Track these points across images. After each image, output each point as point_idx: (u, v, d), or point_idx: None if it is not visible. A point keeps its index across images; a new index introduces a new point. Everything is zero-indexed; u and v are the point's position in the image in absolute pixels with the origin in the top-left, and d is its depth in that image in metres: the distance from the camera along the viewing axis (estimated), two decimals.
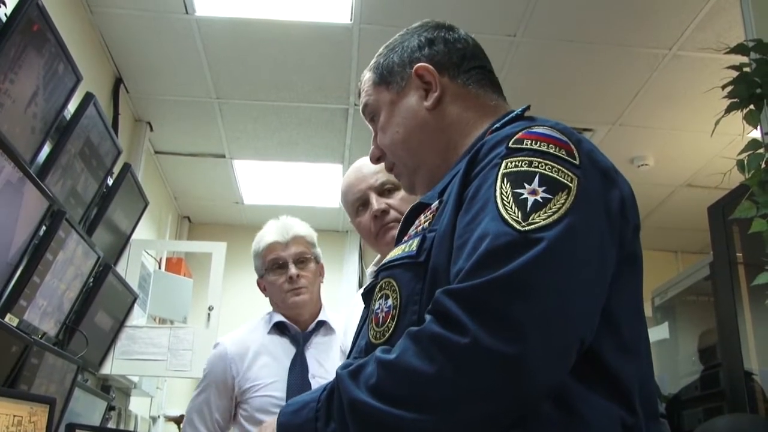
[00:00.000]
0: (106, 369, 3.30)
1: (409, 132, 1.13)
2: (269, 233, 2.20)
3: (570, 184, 0.86)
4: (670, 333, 4.00)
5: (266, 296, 2.23)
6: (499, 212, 0.84)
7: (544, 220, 0.82)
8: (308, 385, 2.01)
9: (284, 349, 2.12)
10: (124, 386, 3.78)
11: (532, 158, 0.88)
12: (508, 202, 0.85)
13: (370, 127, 1.23)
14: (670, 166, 4.41)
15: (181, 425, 2.09)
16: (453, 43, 1.16)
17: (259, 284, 2.25)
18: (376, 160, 1.21)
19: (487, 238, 0.82)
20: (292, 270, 2.14)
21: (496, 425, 0.79)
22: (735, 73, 2.07)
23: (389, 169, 1.21)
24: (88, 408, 2.93)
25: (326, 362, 2.09)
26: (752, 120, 2.05)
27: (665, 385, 3.81)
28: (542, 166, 0.87)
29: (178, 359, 3.28)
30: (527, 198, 0.85)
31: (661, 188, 4.73)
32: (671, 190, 4.74)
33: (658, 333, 4.11)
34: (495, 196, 0.86)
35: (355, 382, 0.85)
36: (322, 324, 2.18)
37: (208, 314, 3.63)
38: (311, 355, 2.11)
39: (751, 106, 2.04)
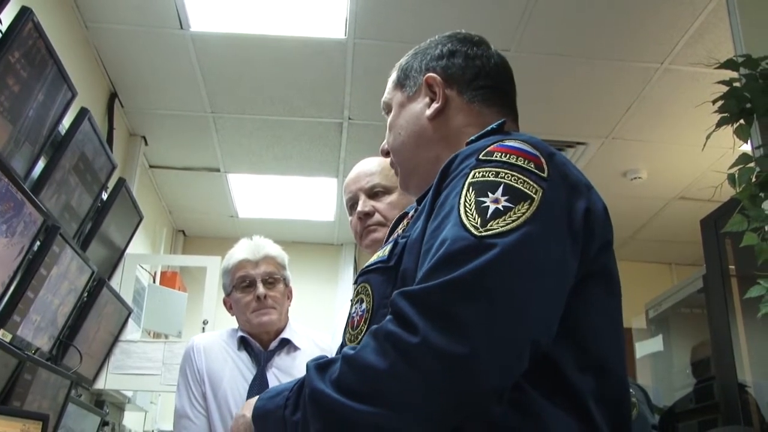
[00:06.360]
0: (100, 384, 3.29)
1: (409, 136, 1.17)
2: (240, 251, 2.15)
3: (533, 195, 0.89)
4: (664, 345, 4.01)
5: (232, 315, 2.16)
6: (461, 218, 0.88)
7: (502, 227, 0.85)
8: None
9: (248, 366, 2.07)
10: (118, 401, 3.76)
11: (499, 169, 0.91)
12: (470, 209, 0.88)
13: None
14: (663, 179, 4.43)
15: (174, 421, 2.04)
16: (472, 59, 1.17)
17: (225, 302, 2.17)
18: (384, 154, 1.25)
19: (446, 243, 0.86)
20: (260, 289, 2.07)
21: (445, 422, 0.82)
22: (725, 88, 2.09)
23: (391, 165, 1.26)
24: (81, 423, 2.92)
25: None
26: (742, 134, 2.07)
27: (659, 397, 3.81)
28: (508, 177, 0.90)
29: (172, 374, 3.27)
30: (489, 206, 0.88)
31: (654, 201, 4.75)
32: (664, 202, 4.76)
33: (652, 345, 4.12)
34: (459, 204, 0.90)
35: (320, 374, 0.89)
36: (285, 342, 2.11)
37: (203, 328, 3.62)
38: (273, 375, 2.04)
39: (741, 121, 2.06)
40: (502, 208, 0.87)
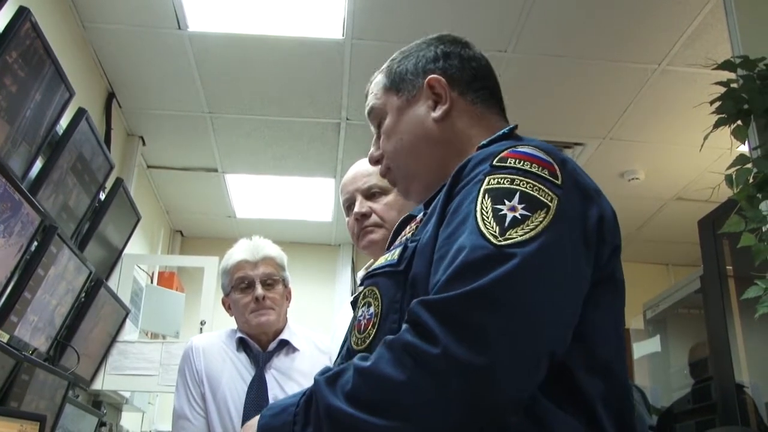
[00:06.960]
0: (98, 384, 3.28)
1: (413, 140, 1.14)
2: (239, 251, 2.14)
3: (549, 204, 0.88)
4: (661, 346, 4.01)
5: (230, 315, 2.16)
6: (478, 226, 0.86)
7: (520, 236, 0.84)
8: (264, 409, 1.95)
9: (247, 367, 2.07)
10: (115, 402, 3.75)
11: (514, 176, 0.91)
12: (488, 217, 0.87)
13: (372, 129, 1.24)
14: (661, 179, 4.43)
15: (173, 422, 2.04)
16: (468, 60, 1.17)
17: (224, 302, 2.17)
18: (374, 162, 1.23)
19: (464, 251, 0.84)
20: (259, 290, 2.07)
21: None
22: (723, 89, 2.10)
23: (383, 173, 1.22)
24: (79, 424, 2.92)
25: (288, 384, 2.02)
26: (740, 135, 2.07)
27: (657, 398, 3.82)
28: (523, 184, 0.90)
29: (170, 374, 3.26)
30: (506, 214, 0.87)
31: (651, 202, 4.76)
32: (662, 203, 4.76)
33: (649, 346, 4.12)
34: (475, 211, 0.88)
35: (331, 388, 0.87)
36: (284, 344, 2.10)
37: (201, 329, 3.61)
38: (272, 376, 2.04)
39: (739, 122, 2.06)
40: (519, 217, 0.86)
